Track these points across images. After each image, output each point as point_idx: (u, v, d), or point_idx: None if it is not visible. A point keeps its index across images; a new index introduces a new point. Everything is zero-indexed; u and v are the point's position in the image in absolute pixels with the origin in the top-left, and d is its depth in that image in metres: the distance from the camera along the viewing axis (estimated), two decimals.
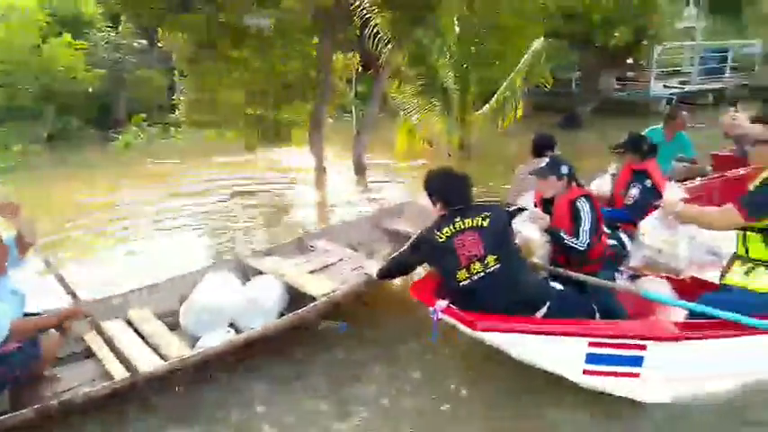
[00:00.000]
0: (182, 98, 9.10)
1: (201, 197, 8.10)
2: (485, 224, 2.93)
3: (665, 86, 15.36)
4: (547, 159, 3.67)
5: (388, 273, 3.45)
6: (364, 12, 8.86)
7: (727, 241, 3.18)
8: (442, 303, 2.86)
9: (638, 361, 2.72)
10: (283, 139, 9.28)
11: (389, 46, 8.90)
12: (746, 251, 2.89)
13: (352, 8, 8.73)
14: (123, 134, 13.24)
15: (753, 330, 2.72)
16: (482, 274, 2.86)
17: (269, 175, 9.32)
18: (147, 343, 3.37)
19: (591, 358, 2.71)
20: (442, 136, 9.92)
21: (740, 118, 4.10)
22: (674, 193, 3.75)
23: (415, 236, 3.19)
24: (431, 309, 2.86)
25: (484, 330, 2.71)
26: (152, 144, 12.98)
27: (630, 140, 4.26)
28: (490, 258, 2.87)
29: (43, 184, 9.46)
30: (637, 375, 2.75)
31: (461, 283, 2.88)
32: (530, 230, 3.39)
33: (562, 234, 3.31)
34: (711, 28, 18.30)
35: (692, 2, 17.84)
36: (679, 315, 3.13)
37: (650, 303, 3.34)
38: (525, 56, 9.40)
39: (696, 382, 2.84)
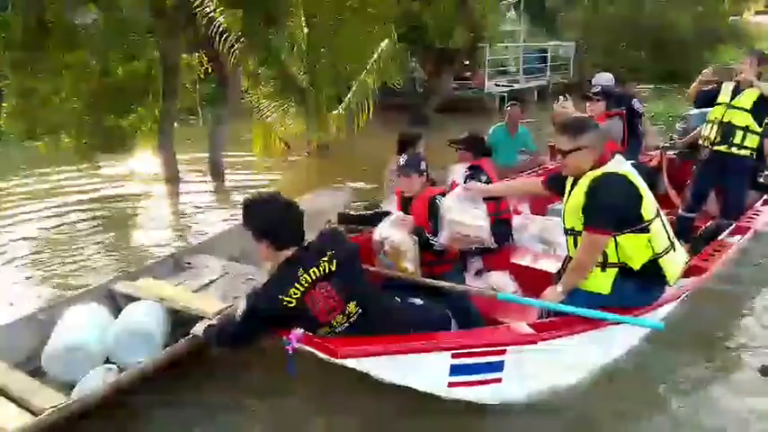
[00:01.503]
0: (4, 105, 8.00)
1: (37, 220, 6.99)
2: (332, 268, 2.53)
3: (496, 85, 16.66)
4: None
5: (227, 342, 2.78)
6: (208, 11, 8.47)
7: (558, 230, 3.46)
8: (298, 332, 2.50)
9: (499, 366, 2.72)
10: (127, 146, 8.61)
11: (238, 46, 8.61)
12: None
13: (195, 7, 8.29)
14: None
15: (599, 323, 2.83)
16: (346, 324, 2.59)
17: (115, 189, 8.51)
18: (8, 398, 2.80)
19: (455, 370, 2.64)
20: (299, 136, 9.85)
21: (568, 105, 4.42)
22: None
23: (247, 303, 2.53)
24: (284, 338, 2.48)
25: (346, 357, 2.47)
26: None
27: (469, 139, 4.45)
28: (351, 306, 2.58)
29: None
30: (499, 381, 2.76)
31: (325, 336, 2.60)
32: (397, 235, 3.23)
33: (427, 235, 3.29)
34: (531, 31, 20.25)
35: (513, 7, 19.51)
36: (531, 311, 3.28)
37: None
38: (375, 56, 9.63)
39: (552, 377, 2.93)
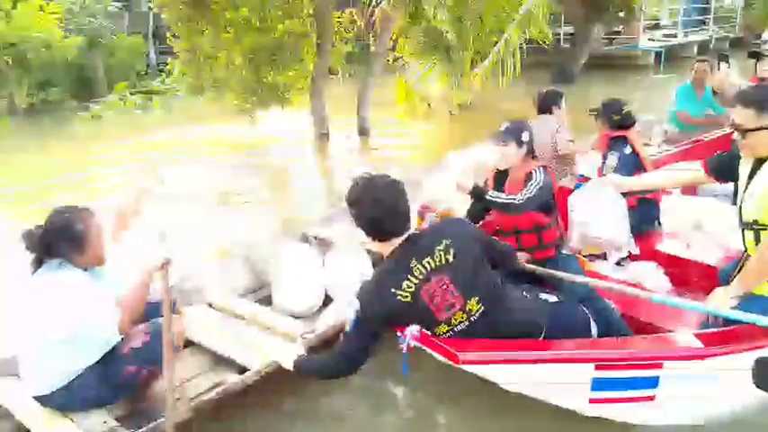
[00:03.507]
0: (175, 62, 8.72)
1: (207, 168, 7.76)
2: (450, 259, 2.20)
3: (650, 39, 15.38)
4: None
5: (333, 369, 2.34)
6: None
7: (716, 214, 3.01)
8: (414, 329, 2.21)
9: (653, 382, 2.32)
10: (283, 101, 9.05)
11: (386, 2, 8.66)
12: None
13: None
14: (103, 104, 12.78)
15: None
16: (466, 323, 2.26)
17: (270, 143, 9.09)
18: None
19: (598, 384, 2.29)
20: (442, 95, 9.80)
21: (733, 73, 3.89)
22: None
23: (355, 306, 2.23)
24: (399, 336, 2.22)
25: (467, 363, 2.19)
26: (128, 115, 12.44)
27: (603, 107, 3.91)
28: (472, 303, 2.24)
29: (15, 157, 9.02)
30: (652, 398, 2.36)
31: (442, 335, 2.28)
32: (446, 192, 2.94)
33: (490, 194, 2.89)
34: None
35: None
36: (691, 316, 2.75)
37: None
38: (522, 9, 9.24)
39: (720, 400, 2.42)
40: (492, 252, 2.42)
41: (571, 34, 14.25)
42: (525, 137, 2.98)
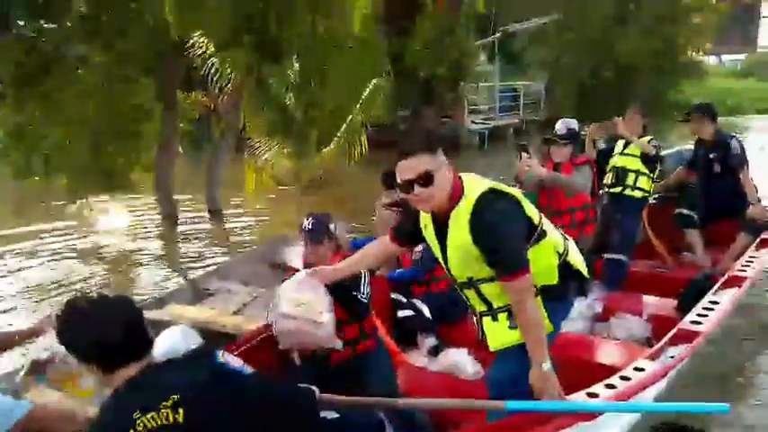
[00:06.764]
0: None
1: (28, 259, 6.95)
2: (178, 419, 1.66)
3: (473, 122, 17.18)
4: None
5: None
6: (205, 51, 8.61)
7: None
8: None
9: None
10: (122, 184, 8.53)
11: (234, 85, 8.76)
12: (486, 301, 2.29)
13: (189, 47, 8.40)
14: None
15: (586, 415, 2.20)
16: None
17: (107, 228, 8.47)
18: None
19: None
20: (291, 173, 9.96)
21: (533, 162, 4.04)
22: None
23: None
24: None
25: None
26: None
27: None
28: None
29: None
30: None
31: None
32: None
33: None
34: (503, 70, 20.94)
35: (485, 48, 20.24)
36: None
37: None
38: (365, 94, 9.89)
39: None
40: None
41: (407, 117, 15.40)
42: (333, 228, 2.84)
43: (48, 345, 2.72)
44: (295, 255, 3.10)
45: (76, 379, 2.69)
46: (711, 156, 4.87)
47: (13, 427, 2.15)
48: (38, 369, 2.77)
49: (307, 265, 2.79)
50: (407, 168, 2.06)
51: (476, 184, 2.14)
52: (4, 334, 2.64)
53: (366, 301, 2.74)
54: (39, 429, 2.26)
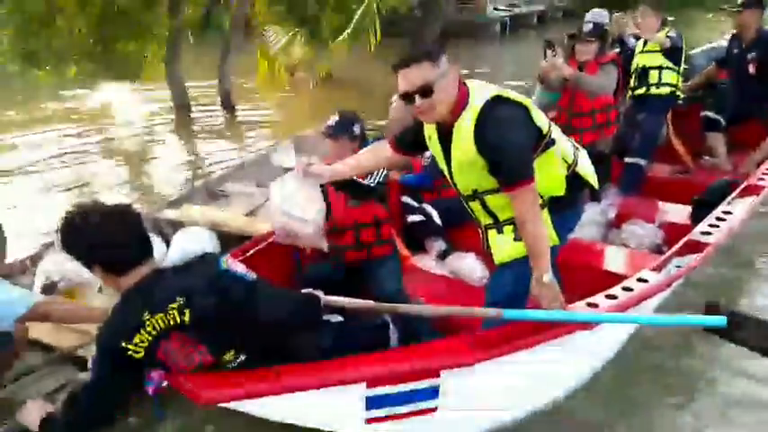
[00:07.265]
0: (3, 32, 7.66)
1: (44, 149, 6.96)
2: (185, 320, 1.80)
3: (495, 9, 16.30)
4: None
5: (82, 422, 1.91)
6: None
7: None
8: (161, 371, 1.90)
9: (432, 393, 2.10)
10: (134, 73, 8.35)
11: None
12: (491, 214, 2.23)
13: None
14: None
15: (580, 324, 2.20)
16: (231, 365, 1.95)
17: (122, 119, 8.41)
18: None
19: (373, 402, 2.05)
20: (304, 64, 9.67)
21: (558, 60, 3.84)
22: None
23: (97, 343, 1.86)
24: (145, 380, 1.91)
25: (210, 402, 1.86)
26: None
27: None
28: (228, 356, 1.91)
29: None
30: (433, 410, 2.15)
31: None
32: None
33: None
34: None
35: None
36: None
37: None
38: None
39: (514, 399, 2.30)
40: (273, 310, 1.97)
41: (424, 2, 14.59)
42: (357, 129, 2.79)
43: (54, 269, 2.82)
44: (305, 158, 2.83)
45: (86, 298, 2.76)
46: (749, 56, 4.50)
47: (23, 317, 2.23)
48: (48, 291, 2.87)
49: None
50: (406, 79, 1.96)
51: (481, 92, 2.02)
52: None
53: (374, 186, 2.70)
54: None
